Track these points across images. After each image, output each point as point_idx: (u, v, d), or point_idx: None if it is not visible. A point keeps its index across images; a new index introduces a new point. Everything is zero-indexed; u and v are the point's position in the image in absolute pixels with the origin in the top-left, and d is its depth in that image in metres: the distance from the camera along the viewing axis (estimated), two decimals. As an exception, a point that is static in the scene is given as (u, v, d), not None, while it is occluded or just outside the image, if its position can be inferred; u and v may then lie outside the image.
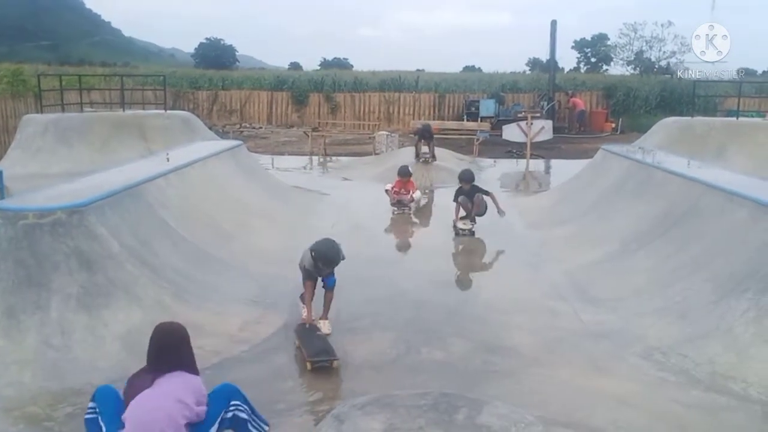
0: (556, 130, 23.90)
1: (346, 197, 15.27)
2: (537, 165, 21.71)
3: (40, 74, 24.13)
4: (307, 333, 6.74)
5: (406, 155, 19.85)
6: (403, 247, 11.67)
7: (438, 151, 19.51)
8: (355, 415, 4.61)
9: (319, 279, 7.21)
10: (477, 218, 11.82)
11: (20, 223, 6.71)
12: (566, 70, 55.76)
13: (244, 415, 4.47)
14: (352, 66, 73.01)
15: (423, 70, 49.49)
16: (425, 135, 18.90)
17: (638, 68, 45.71)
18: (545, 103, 32.81)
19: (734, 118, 19.23)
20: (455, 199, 12.00)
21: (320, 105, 36.50)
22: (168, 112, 20.07)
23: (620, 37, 47.31)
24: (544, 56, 38.98)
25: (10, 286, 6.43)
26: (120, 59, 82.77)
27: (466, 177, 12.25)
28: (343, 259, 7.17)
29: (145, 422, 3.97)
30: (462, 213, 11.88)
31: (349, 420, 4.56)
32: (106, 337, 6.33)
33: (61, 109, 19.32)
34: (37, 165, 15.71)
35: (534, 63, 67.43)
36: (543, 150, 23.50)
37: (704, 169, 11.10)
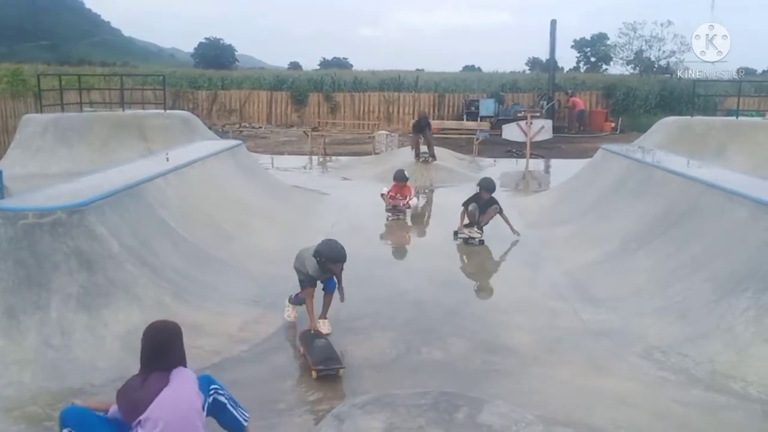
0: (555, 129, 23.91)
1: (346, 197, 15.26)
2: (537, 164, 21.71)
3: (40, 74, 24.13)
4: (311, 340, 6.72)
5: (405, 155, 19.86)
6: (403, 246, 11.66)
7: (438, 150, 19.50)
8: (355, 415, 4.61)
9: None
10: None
11: (20, 222, 6.70)
12: (566, 69, 55.91)
13: (222, 399, 4.51)
14: (351, 66, 73.07)
15: (423, 70, 49.56)
16: (422, 126, 18.76)
17: (638, 68, 45.75)
18: (545, 103, 32.84)
19: (734, 118, 19.24)
20: (464, 204, 11.51)
21: (320, 105, 36.53)
22: (168, 111, 20.09)
23: (620, 37, 47.42)
24: (544, 56, 39.13)
25: (10, 286, 6.43)
26: (120, 59, 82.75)
27: (490, 186, 11.60)
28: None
29: (181, 419, 4.03)
30: (466, 220, 11.48)
31: (350, 419, 4.56)
32: (106, 337, 6.33)
33: (61, 109, 19.33)
34: (37, 165, 15.72)
35: (534, 62, 67.48)
36: (543, 149, 23.50)
37: (704, 168, 11.11)
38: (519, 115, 27.74)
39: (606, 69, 57.61)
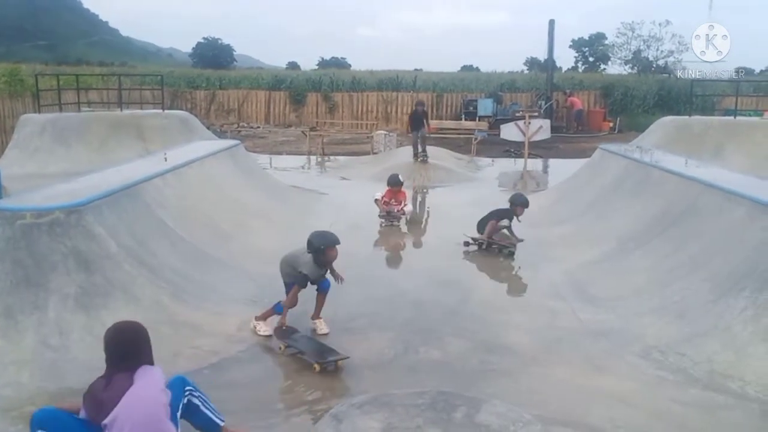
0: (553, 129, 23.94)
1: (344, 197, 15.26)
2: (535, 164, 21.73)
3: (38, 74, 24.11)
4: (296, 336, 6.75)
5: (404, 155, 19.87)
6: (401, 246, 11.65)
7: (436, 150, 19.52)
8: (353, 415, 4.62)
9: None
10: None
11: (18, 223, 6.70)
12: (564, 69, 55.93)
13: (196, 401, 4.51)
14: (350, 65, 73.17)
15: (421, 70, 49.62)
16: (419, 118, 18.63)
17: (636, 67, 45.77)
18: (543, 103, 32.85)
19: (732, 117, 19.26)
20: (495, 219, 10.78)
21: (318, 104, 36.55)
22: (166, 111, 20.08)
23: (618, 37, 47.44)
24: (542, 56, 39.17)
25: (8, 287, 6.42)
26: (118, 59, 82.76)
27: (527, 203, 11.13)
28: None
29: (147, 417, 3.99)
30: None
31: (348, 419, 4.56)
32: (104, 337, 6.31)
33: (59, 109, 19.30)
34: (35, 165, 15.70)
35: (532, 62, 67.51)
36: (541, 149, 23.52)
37: (702, 168, 11.12)
38: (517, 114, 27.77)
39: (604, 69, 57.69)
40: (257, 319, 7.11)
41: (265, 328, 7.08)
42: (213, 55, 67.89)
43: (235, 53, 76.43)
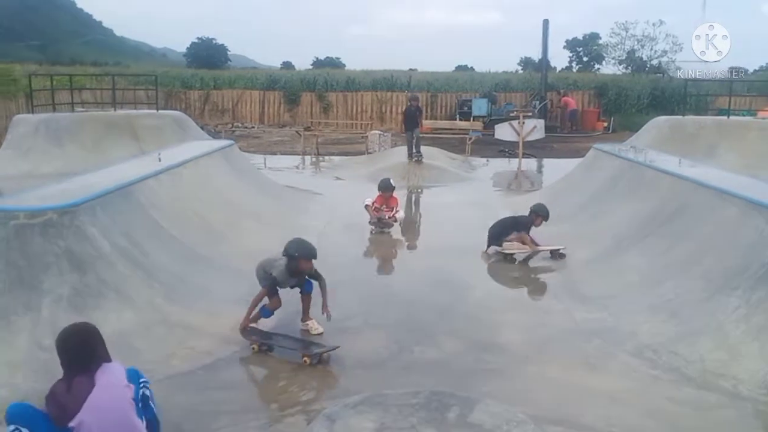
0: (548, 129, 23.95)
1: (339, 197, 15.26)
2: (529, 164, 21.77)
3: (31, 74, 24.02)
4: (267, 335, 6.82)
5: (398, 154, 19.89)
6: (395, 245, 11.65)
7: (430, 150, 19.51)
8: (347, 415, 4.62)
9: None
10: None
11: (11, 223, 6.68)
12: (558, 69, 55.96)
13: (148, 392, 4.50)
14: (344, 65, 72.94)
15: (416, 70, 49.56)
16: (413, 114, 18.61)
17: (630, 67, 45.78)
18: (537, 103, 32.93)
19: (725, 117, 19.29)
20: (520, 231, 10.40)
21: (312, 104, 36.58)
22: (160, 111, 20.02)
23: (612, 37, 47.37)
24: (537, 55, 39.17)
25: (1, 288, 6.40)
26: (111, 59, 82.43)
27: (548, 216, 10.61)
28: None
29: (114, 415, 4.02)
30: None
31: (341, 419, 4.57)
32: (98, 338, 6.30)
33: (53, 109, 19.24)
34: (29, 165, 15.65)
35: (526, 62, 67.49)
36: (535, 149, 23.56)
37: (695, 167, 11.16)
38: (511, 114, 27.77)
39: (598, 69, 57.62)
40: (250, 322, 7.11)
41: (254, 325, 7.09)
42: (207, 55, 67.61)
43: (229, 53, 76.10)
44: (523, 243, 10.33)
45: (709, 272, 7.42)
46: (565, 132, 32.37)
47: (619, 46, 46.93)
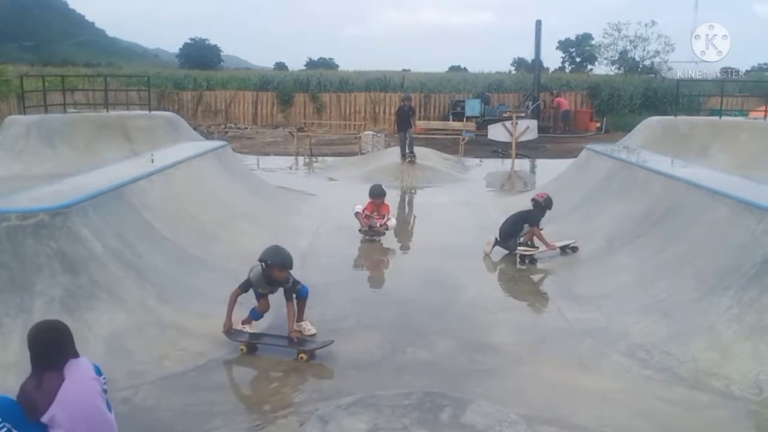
0: (541, 129, 24.05)
1: (332, 197, 15.25)
2: (522, 164, 21.82)
3: (23, 75, 23.93)
4: (258, 336, 6.81)
5: (391, 155, 19.90)
6: (388, 246, 11.64)
7: (424, 150, 19.51)
8: (339, 416, 4.62)
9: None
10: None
11: (3, 224, 6.64)
12: (551, 69, 56.09)
13: (106, 387, 4.51)
14: (337, 66, 72.99)
15: (409, 70, 49.57)
16: (406, 114, 18.59)
17: (622, 68, 45.92)
18: (530, 103, 32.99)
19: (717, 117, 19.34)
20: (532, 224, 10.35)
21: (306, 105, 36.58)
22: (152, 112, 19.93)
23: (604, 37, 47.50)
24: (530, 56, 39.31)
25: (-7, 289, 6.38)
26: (104, 60, 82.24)
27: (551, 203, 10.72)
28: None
29: (85, 408, 4.09)
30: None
31: (334, 420, 4.57)
32: (90, 340, 6.27)
33: (45, 110, 19.13)
34: (20, 166, 15.56)
35: (519, 63, 67.60)
36: (528, 149, 23.63)
37: (687, 167, 11.19)
38: (504, 115, 27.82)
39: (591, 69, 57.77)
40: (242, 323, 7.09)
41: (246, 327, 7.07)
42: (200, 56, 67.49)
43: (222, 54, 76.00)
44: (537, 237, 10.27)
45: (701, 272, 7.45)
46: (558, 132, 32.47)
47: (611, 47, 47.07)
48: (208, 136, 24.19)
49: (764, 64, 56.68)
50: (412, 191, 16.77)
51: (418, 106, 34.15)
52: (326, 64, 76.26)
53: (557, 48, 69.86)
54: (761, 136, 15.80)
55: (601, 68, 51.16)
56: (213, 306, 7.62)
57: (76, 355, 4.29)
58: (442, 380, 6.00)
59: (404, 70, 49.88)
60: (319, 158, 23.34)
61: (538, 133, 22.07)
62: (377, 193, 11.68)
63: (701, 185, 9.15)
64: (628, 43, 45.66)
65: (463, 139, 24.13)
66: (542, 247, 10.19)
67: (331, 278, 8.84)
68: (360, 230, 11.43)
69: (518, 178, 18.94)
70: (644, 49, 45.17)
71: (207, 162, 12.66)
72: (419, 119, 27.13)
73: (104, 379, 4.48)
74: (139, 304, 6.94)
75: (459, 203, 14.94)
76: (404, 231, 12.88)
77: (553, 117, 34.41)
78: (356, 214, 11.49)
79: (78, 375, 4.16)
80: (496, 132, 20.61)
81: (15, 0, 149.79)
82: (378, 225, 11.37)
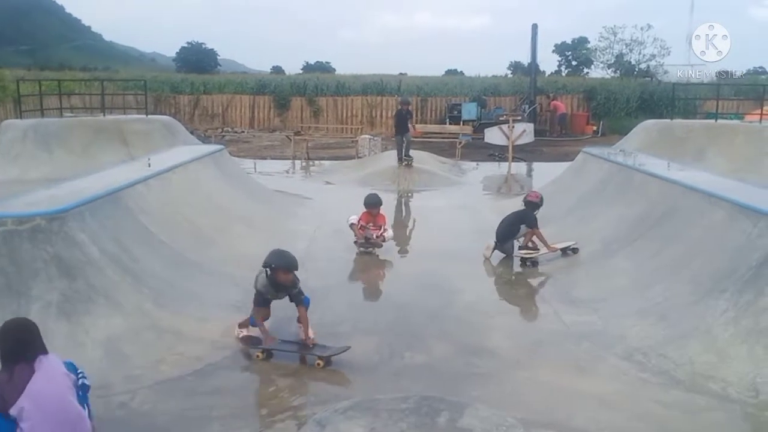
0: (537, 133, 24.05)
1: (329, 201, 15.25)
2: (519, 168, 21.84)
3: (20, 79, 23.90)
4: (281, 344, 6.74)
5: (388, 159, 19.90)
6: (386, 250, 11.65)
7: (420, 154, 19.51)
8: (337, 420, 4.62)
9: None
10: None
11: (-1, 229, 6.64)
12: (547, 73, 56.30)
13: (87, 382, 4.65)
14: (334, 70, 73.15)
15: (405, 74, 49.70)
16: (404, 118, 18.60)
17: (618, 71, 46.07)
18: (527, 107, 33.03)
19: (713, 121, 19.37)
20: (531, 226, 10.35)
21: (302, 109, 36.58)
22: (149, 116, 19.92)
23: (600, 41, 47.73)
24: (526, 60, 39.33)
25: (-11, 294, 6.37)
26: (100, 64, 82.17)
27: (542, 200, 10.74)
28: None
29: (53, 400, 4.18)
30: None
31: (331, 425, 4.57)
32: (87, 344, 6.28)
33: (41, 115, 19.11)
34: (17, 171, 15.54)
35: (515, 66, 67.87)
36: (525, 153, 23.66)
37: (683, 171, 11.22)
38: (501, 118, 27.86)
39: (587, 72, 58.05)
40: (240, 326, 7.07)
41: (242, 332, 7.04)
42: (197, 60, 67.58)
43: (219, 58, 76.12)
44: (538, 239, 10.28)
45: (698, 275, 7.47)
46: (555, 136, 32.49)
47: (607, 50, 47.31)
48: (205, 140, 24.17)
49: (759, 67, 56.89)
50: (409, 195, 16.78)
51: (415, 109, 34.14)
52: (323, 67, 76.43)
53: (553, 51, 70.23)
54: (757, 140, 15.80)
55: (598, 72, 51.43)
56: (210, 310, 7.63)
57: (45, 351, 4.41)
58: (439, 384, 6.00)
59: (401, 73, 50.03)
60: (316, 162, 23.35)
61: (535, 136, 22.08)
62: (372, 203, 11.11)
63: (697, 188, 9.17)
64: (624, 47, 45.91)
65: (460, 143, 24.17)
66: (543, 249, 10.21)
67: (328, 282, 8.84)
68: (355, 242, 10.91)
69: (515, 182, 18.97)
70: (640, 53, 45.43)
71: (204, 166, 12.66)
72: (416, 123, 27.13)
73: (81, 374, 4.61)
74: (136, 309, 6.93)
75: (456, 207, 14.95)
76: (401, 235, 12.88)
77: (550, 120, 34.46)
78: (351, 225, 10.90)
79: (47, 369, 4.27)
80: (493, 135, 20.64)
81: (12, 4, 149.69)
82: (374, 236, 10.83)
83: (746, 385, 5.76)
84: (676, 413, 5.55)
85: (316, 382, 6.19)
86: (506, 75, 54.73)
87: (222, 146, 15.84)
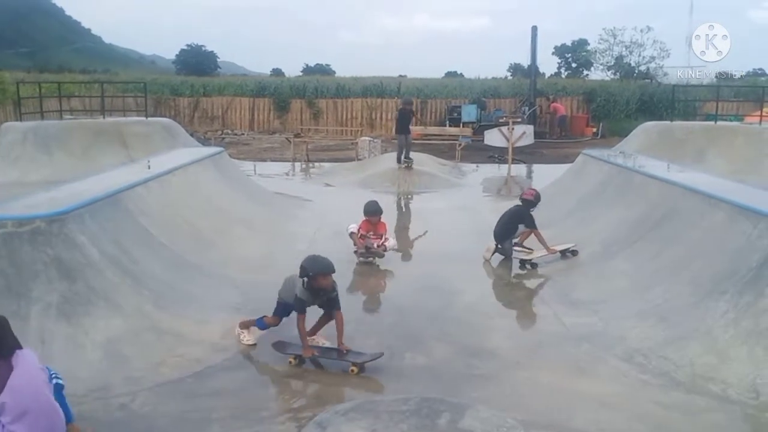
0: (537, 135, 24.07)
1: (329, 203, 15.25)
2: (519, 170, 21.82)
3: (19, 82, 23.91)
4: (321, 350, 6.68)
5: (388, 161, 19.90)
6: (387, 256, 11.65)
7: (420, 155, 19.50)
8: (337, 422, 4.61)
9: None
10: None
11: (-1, 231, 6.64)
12: (547, 75, 56.30)
13: (62, 382, 4.67)
14: (334, 72, 73.16)
15: (405, 76, 49.72)
16: (407, 117, 18.70)
17: (618, 73, 46.11)
18: (526, 108, 33.06)
19: (713, 122, 19.39)
20: (529, 226, 10.38)
21: (302, 111, 36.61)
22: (149, 119, 19.93)
23: (600, 43, 47.79)
24: (526, 62, 39.43)
25: (-11, 296, 6.37)
26: (100, 66, 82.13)
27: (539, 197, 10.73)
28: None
29: (33, 395, 4.24)
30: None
31: (332, 426, 4.56)
32: (87, 346, 6.28)
33: (41, 117, 19.12)
34: (17, 173, 15.55)
35: (515, 68, 67.90)
36: (524, 155, 23.67)
37: (683, 172, 11.22)
38: (501, 120, 27.87)
39: (587, 74, 58.09)
40: (241, 327, 7.06)
41: (249, 338, 7.01)
42: (197, 62, 67.62)
43: (218, 60, 76.18)
44: (538, 240, 10.26)
45: (698, 277, 7.47)
46: (555, 138, 32.50)
47: (607, 52, 47.36)
48: (204, 142, 24.15)
49: (759, 69, 56.91)
50: (409, 197, 16.78)
51: (415, 111, 34.14)
52: (323, 70, 76.46)
53: (553, 54, 70.22)
54: (757, 141, 15.83)
55: (597, 74, 51.50)
56: (210, 312, 7.62)
57: (19, 346, 4.45)
58: (439, 385, 6.00)
59: (401, 75, 50.05)
60: (316, 164, 23.35)
61: (535, 138, 22.10)
62: (372, 211, 10.60)
63: (697, 190, 9.17)
64: (624, 49, 45.96)
65: (460, 145, 24.16)
66: (542, 251, 10.21)
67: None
68: (355, 252, 10.45)
69: (515, 184, 18.95)
70: (640, 55, 45.48)
71: (204, 168, 12.66)
72: (415, 125, 27.14)
73: (54, 374, 4.64)
74: (136, 311, 6.93)
75: (456, 208, 14.95)
76: (401, 236, 12.87)
77: (550, 122, 34.48)
78: (351, 234, 10.46)
79: (24, 364, 4.31)
80: (493, 137, 20.65)
81: (11, 6, 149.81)
82: (375, 246, 10.37)
83: (746, 387, 5.75)
84: (677, 414, 5.54)
85: (317, 384, 6.18)
86: (506, 77, 54.75)
87: (222, 148, 15.85)
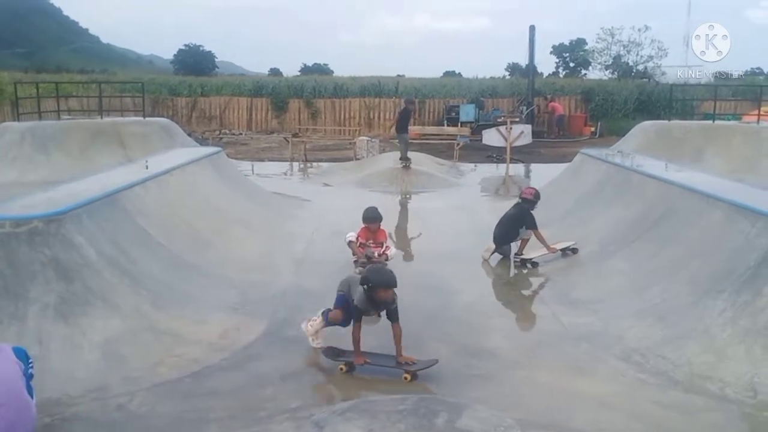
0: (535, 134, 24.11)
1: (327, 203, 15.25)
2: (517, 169, 21.83)
3: (17, 82, 23.88)
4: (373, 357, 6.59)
5: (387, 160, 19.91)
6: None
7: (418, 155, 19.49)
8: (335, 421, 4.60)
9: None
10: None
11: (-4, 232, 6.63)
12: (545, 74, 56.38)
13: (33, 371, 4.81)
14: (332, 72, 73.16)
15: (403, 76, 49.70)
16: (408, 117, 18.76)
17: (616, 72, 46.12)
18: (524, 108, 33.07)
19: (711, 122, 19.41)
20: (530, 227, 10.36)
21: (300, 111, 36.59)
22: (146, 119, 19.92)
23: (598, 42, 47.78)
24: (524, 61, 39.44)
25: (-13, 297, 6.35)
26: (98, 66, 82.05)
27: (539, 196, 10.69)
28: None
29: (10, 390, 4.33)
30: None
31: (329, 426, 4.55)
32: (85, 347, 6.27)
33: (39, 117, 19.10)
34: (14, 173, 15.54)
35: (513, 68, 67.93)
36: (523, 154, 23.66)
37: (681, 172, 11.23)
38: (499, 120, 27.88)
39: (585, 74, 58.14)
40: (310, 323, 6.93)
41: (318, 341, 6.88)
42: (194, 62, 67.62)
43: (216, 60, 76.20)
44: (538, 239, 10.26)
45: (696, 276, 7.47)
46: (553, 137, 32.51)
47: (605, 52, 47.34)
48: (202, 142, 24.14)
49: (756, 68, 56.92)
50: (407, 196, 16.77)
51: (413, 111, 34.21)
52: (321, 69, 76.46)
53: (551, 53, 70.35)
54: (754, 140, 15.86)
55: (595, 73, 51.53)
56: (208, 312, 7.61)
57: None
58: (438, 385, 6.00)
59: (399, 75, 50.02)
60: (314, 164, 23.34)
61: (533, 137, 22.14)
62: (372, 218, 10.19)
63: (695, 189, 9.18)
64: (622, 48, 45.97)
65: (458, 144, 24.16)
66: (543, 250, 10.21)
67: (327, 283, 8.80)
68: (355, 262, 9.94)
69: (513, 183, 18.97)
70: (638, 54, 45.48)
71: (201, 168, 12.65)
72: (413, 124, 27.14)
73: (32, 364, 4.76)
74: (134, 311, 6.92)
75: (454, 208, 14.95)
76: (399, 236, 12.88)
77: (548, 122, 34.50)
78: (350, 243, 10.07)
79: (2, 359, 4.41)
80: (491, 137, 20.67)
81: (9, 7, 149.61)
82: (376, 255, 9.91)
83: (744, 386, 5.75)
84: (675, 414, 5.54)
85: (314, 384, 6.18)
86: (504, 76, 54.75)
87: (220, 148, 15.84)
